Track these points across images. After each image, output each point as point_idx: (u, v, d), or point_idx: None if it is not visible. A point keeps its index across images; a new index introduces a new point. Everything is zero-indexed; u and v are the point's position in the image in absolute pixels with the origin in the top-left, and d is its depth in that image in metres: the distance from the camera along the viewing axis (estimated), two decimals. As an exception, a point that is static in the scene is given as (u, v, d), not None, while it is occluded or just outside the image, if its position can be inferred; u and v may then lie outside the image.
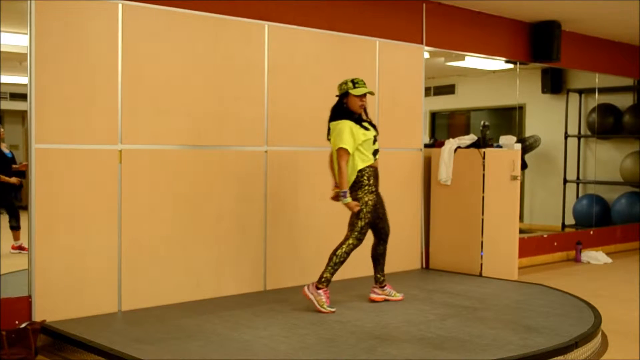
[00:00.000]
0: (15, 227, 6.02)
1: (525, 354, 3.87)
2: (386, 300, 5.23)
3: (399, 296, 5.27)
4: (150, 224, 4.97)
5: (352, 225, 4.94)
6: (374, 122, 5.17)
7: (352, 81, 4.93)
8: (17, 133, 6.45)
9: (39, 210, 4.49)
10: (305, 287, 4.94)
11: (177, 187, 5.11)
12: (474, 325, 4.52)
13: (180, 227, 5.12)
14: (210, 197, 5.28)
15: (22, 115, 5.19)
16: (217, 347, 4.00)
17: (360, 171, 4.88)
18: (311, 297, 4.87)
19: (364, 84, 4.96)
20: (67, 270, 4.60)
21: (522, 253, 7.20)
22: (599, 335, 4.60)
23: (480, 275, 6.48)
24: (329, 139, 5.03)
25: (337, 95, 4.99)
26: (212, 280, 5.31)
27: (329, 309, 4.82)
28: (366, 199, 4.90)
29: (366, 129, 4.93)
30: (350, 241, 4.92)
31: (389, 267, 6.48)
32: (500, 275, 6.42)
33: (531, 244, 7.82)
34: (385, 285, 5.28)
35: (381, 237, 5.21)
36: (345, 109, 4.93)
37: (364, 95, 4.93)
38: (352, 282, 5.90)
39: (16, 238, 5.93)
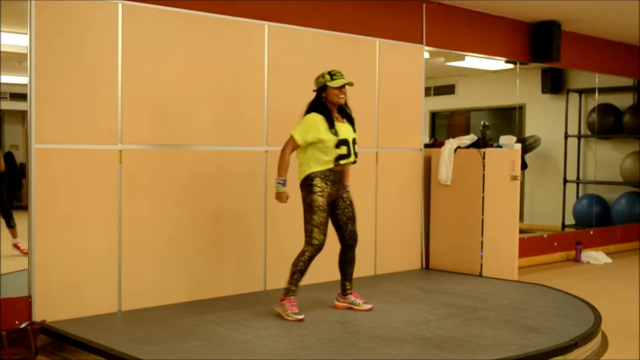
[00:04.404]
0: (7, 225, 6.00)
1: (525, 354, 3.87)
2: (350, 308, 4.92)
3: (364, 306, 4.90)
4: (150, 224, 4.97)
5: (305, 232, 4.68)
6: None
7: (330, 73, 4.70)
8: (17, 133, 6.46)
9: (39, 210, 4.49)
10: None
11: (177, 187, 5.10)
12: (474, 325, 4.52)
13: (180, 227, 5.12)
14: (210, 197, 5.28)
15: (22, 115, 5.19)
16: (217, 347, 4.00)
17: (312, 174, 4.65)
18: (279, 311, 4.73)
19: (342, 75, 4.72)
20: (67, 270, 4.60)
21: (522, 253, 7.19)
22: (599, 335, 4.60)
23: (480, 275, 6.48)
24: None
25: (314, 90, 4.76)
26: (212, 280, 5.31)
27: (295, 316, 4.59)
28: (312, 201, 4.63)
29: (335, 133, 4.63)
30: (306, 248, 4.65)
31: (389, 267, 6.50)
32: (500, 275, 6.42)
33: (531, 244, 7.82)
34: (349, 294, 4.95)
35: (346, 244, 4.88)
36: (323, 103, 4.70)
37: (343, 86, 4.69)
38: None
39: (14, 235, 5.92)
